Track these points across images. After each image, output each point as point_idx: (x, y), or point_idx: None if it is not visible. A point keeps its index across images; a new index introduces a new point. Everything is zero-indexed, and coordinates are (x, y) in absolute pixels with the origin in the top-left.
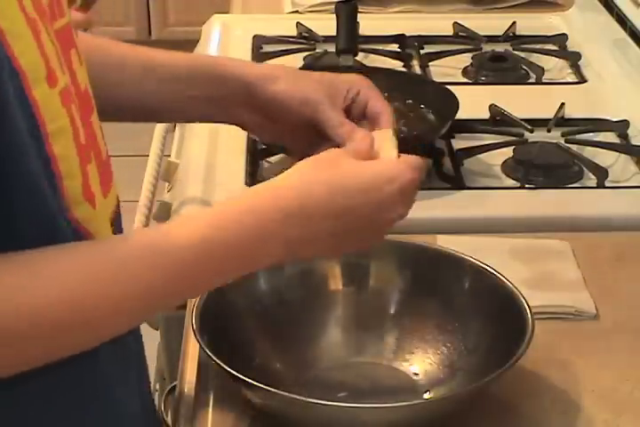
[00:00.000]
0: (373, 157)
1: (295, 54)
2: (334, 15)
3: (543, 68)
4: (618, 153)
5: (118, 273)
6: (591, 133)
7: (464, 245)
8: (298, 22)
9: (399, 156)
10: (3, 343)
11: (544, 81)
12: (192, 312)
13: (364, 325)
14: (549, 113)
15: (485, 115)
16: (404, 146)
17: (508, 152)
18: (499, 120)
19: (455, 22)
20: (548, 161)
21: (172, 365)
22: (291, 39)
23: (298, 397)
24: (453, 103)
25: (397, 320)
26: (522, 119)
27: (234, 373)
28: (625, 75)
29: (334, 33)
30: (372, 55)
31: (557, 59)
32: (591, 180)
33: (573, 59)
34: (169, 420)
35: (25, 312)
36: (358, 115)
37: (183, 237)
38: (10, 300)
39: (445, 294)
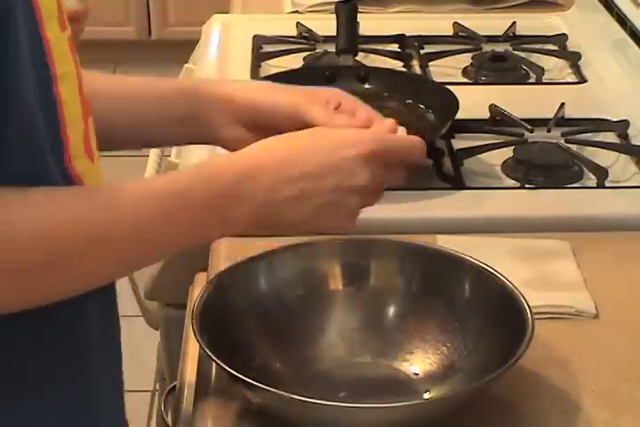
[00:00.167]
0: None
1: (295, 54)
2: (334, 15)
3: (543, 68)
4: (618, 153)
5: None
6: (591, 133)
7: (464, 245)
8: (298, 22)
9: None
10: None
11: (544, 81)
12: (192, 312)
13: (364, 325)
14: (549, 113)
15: (485, 115)
16: None
17: (508, 152)
18: (499, 120)
19: (455, 22)
20: (548, 161)
21: (172, 365)
22: (291, 39)
23: (298, 397)
24: (453, 103)
25: (397, 320)
26: (522, 119)
27: (234, 373)
28: (625, 75)
29: (334, 33)
30: (372, 55)
31: (557, 59)
32: (591, 180)
33: (573, 59)
34: (169, 420)
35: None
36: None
37: (156, 188)
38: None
39: (445, 294)
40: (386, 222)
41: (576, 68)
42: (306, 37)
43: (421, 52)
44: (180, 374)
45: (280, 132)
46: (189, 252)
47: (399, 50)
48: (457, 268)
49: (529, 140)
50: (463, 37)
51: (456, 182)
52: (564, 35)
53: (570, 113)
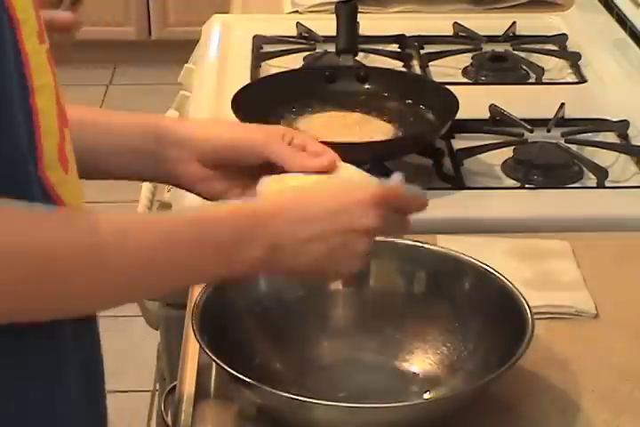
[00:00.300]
0: None
1: (295, 54)
2: (334, 15)
3: (543, 68)
4: (618, 153)
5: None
6: (591, 133)
7: (464, 245)
8: (298, 22)
9: None
10: None
11: (544, 81)
12: (192, 312)
13: (364, 325)
14: (549, 113)
15: (485, 115)
16: (405, 146)
17: (508, 152)
18: (499, 120)
19: (455, 22)
20: (548, 161)
21: (172, 365)
22: (291, 39)
23: (298, 397)
24: (453, 103)
25: (397, 320)
26: (522, 119)
27: (234, 373)
28: (625, 75)
29: (334, 33)
30: (372, 55)
31: (557, 59)
32: (591, 180)
33: (573, 59)
34: (169, 420)
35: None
36: None
37: (167, 223)
38: None
39: (445, 295)
40: None
41: (576, 68)
42: (306, 37)
43: (421, 52)
44: (179, 374)
45: (241, 170)
46: None
47: (399, 50)
48: (457, 268)
49: (529, 141)
50: (463, 37)
51: (456, 182)
52: (564, 35)
53: (570, 113)
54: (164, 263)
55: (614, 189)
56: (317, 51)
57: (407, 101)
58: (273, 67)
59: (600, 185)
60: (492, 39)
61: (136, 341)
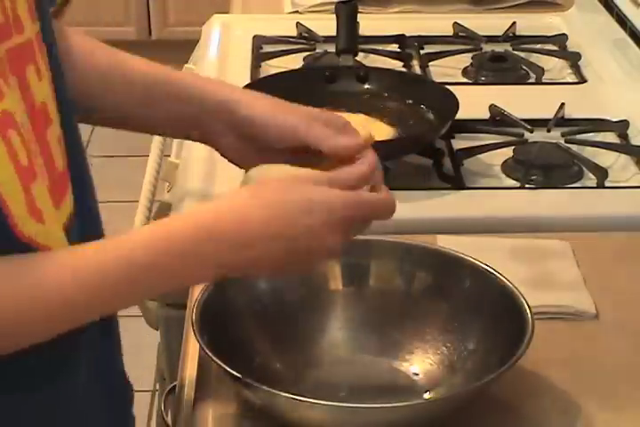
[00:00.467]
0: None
1: (295, 54)
2: (334, 15)
3: (543, 68)
4: (618, 153)
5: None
6: (591, 133)
7: (464, 245)
8: (298, 22)
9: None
10: None
11: (544, 81)
12: (192, 312)
13: (364, 325)
14: (549, 113)
15: (485, 115)
16: (405, 146)
17: (508, 152)
18: (499, 120)
19: (455, 22)
20: (547, 161)
21: (172, 365)
22: (291, 39)
23: (298, 397)
24: (453, 103)
25: (397, 320)
26: (522, 119)
27: (234, 373)
28: (625, 75)
29: (334, 33)
30: (372, 55)
31: (557, 59)
32: (591, 180)
33: (573, 59)
34: (169, 420)
35: None
36: None
37: (110, 256)
38: None
39: (445, 294)
40: (386, 222)
41: (576, 68)
42: (306, 37)
43: (421, 52)
44: (179, 374)
45: (278, 151)
46: None
47: (399, 50)
48: (457, 268)
49: (529, 141)
50: (463, 37)
51: (456, 182)
52: (563, 35)
53: (570, 113)
54: (122, 292)
55: (614, 189)
56: (317, 51)
57: (407, 101)
58: (273, 67)
59: (600, 185)
60: (491, 39)
61: (136, 341)
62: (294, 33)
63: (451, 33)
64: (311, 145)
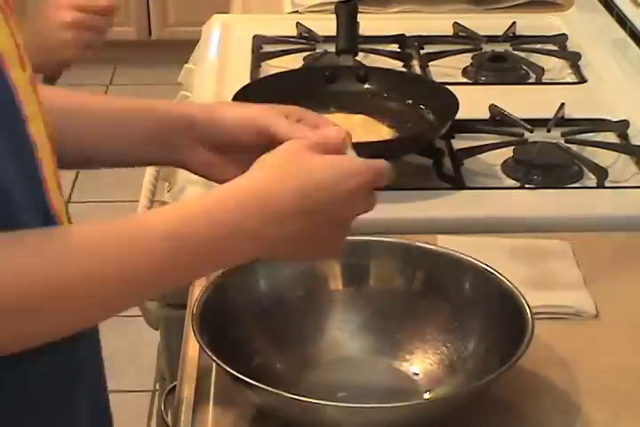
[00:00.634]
0: (337, 150)
1: (295, 54)
2: (334, 15)
3: (543, 68)
4: (618, 153)
5: (100, 258)
6: (591, 133)
7: (464, 245)
8: (298, 22)
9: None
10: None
11: (544, 81)
12: (192, 312)
13: (364, 325)
14: (549, 113)
15: (485, 115)
16: (405, 146)
17: (507, 152)
18: (499, 120)
19: (455, 22)
20: (547, 161)
21: (172, 365)
22: (291, 39)
23: (298, 397)
24: (453, 103)
25: (397, 320)
26: (522, 119)
27: (234, 373)
28: (625, 75)
29: (334, 33)
30: (372, 55)
31: (557, 59)
32: (591, 180)
33: (573, 59)
34: (169, 420)
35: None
36: None
37: (158, 229)
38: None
39: (445, 294)
40: (386, 222)
41: (576, 68)
42: (306, 37)
43: (421, 52)
44: (179, 374)
45: (243, 151)
46: None
47: (399, 50)
48: (457, 268)
49: (529, 140)
50: (463, 37)
51: (456, 182)
52: (563, 35)
53: (570, 113)
54: (151, 273)
55: (614, 189)
56: (317, 51)
57: (407, 101)
58: (273, 67)
59: (600, 185)
60: (491, 39)
61: (136, 341)
62: (294, 33)
63: (451, 33)
64: (272, 135)
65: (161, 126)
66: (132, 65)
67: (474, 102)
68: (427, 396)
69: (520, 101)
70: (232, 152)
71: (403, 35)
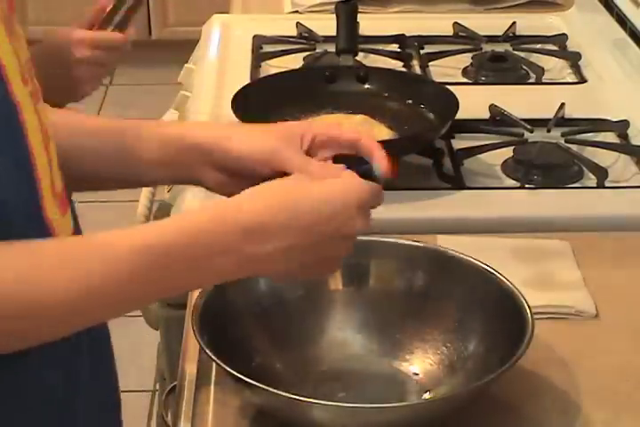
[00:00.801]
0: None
1: (295, 54)
2: (334, 15)
3: (543, 68)
4: (618, 153)
5: (76, 270)
6: (591, 133)
7: (464, 246)
8: (298, 22)
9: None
10: None
11: (544, 81)
12: (192, 312)
13: (364, 325)
14: (549, 113)
15: (485, 115)
16: (405, 146)
17: (507, 152)
18: (499, 120)
19: (455, 22)
20: (547, 161)
21: (172, 365)
22: (291, 39)
23: (298, 397)
24: (453, 103)
25: (397, 320)
26: (522, 119)
27: (234, 373)
28: (625, 75)
29: (334, 33)
30: (372, 55)
31: (557, 59)
32: (591, 180)
33: (573, 59)
34: (169, 420)
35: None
36: (327, 158)
37: (134, 243)
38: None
39: (445, 294)
40: (386, 222)
41: (576, 68)
42: (306, 37)
43: (421, 52)
44: (179, 374)
45: (258, 178)
46: None
47: (399, 50)
48: (457, 268)
49: (529, 140)
50: (463, 37)
51: (456, 182)
52: (563, 35)
53: (570, 113)
54: (131, 289)
55: (614, 189)
56: (317, 51)
57: (407, 101)
58: (273, 67)
59: (600, 185)
60: (492, 39)
61: (136, 341)
62: (294, 33)
63: (451, 33)
64: (284, 167)
65: (177, 153)
66: (131, 65)
67: (474, 102)
68: (427, 396)
69: (520, 101)
70: (246, 177)
71: (403, 35)
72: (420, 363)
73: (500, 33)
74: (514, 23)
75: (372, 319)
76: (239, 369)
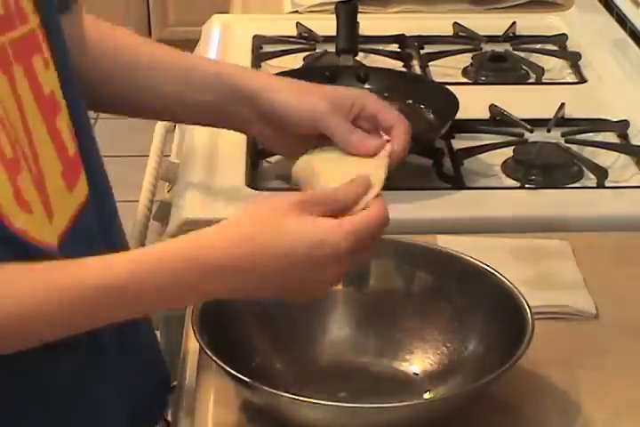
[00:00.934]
0: (345, 206)
1: (295, 54)
2: (334, 15)
3: (543, 68)
4: (618, 153)
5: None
6: (591, 133)
7: (464, 246)
8: (298, 22)
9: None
10: None
11: (544, 81)
12: (192, 312)
13: (364, 325)
14: (549, 113)
15: (485, 115)
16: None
17: (508, 152)
18: (499, 120)
19: (455, 22)
20: (547, 161)
21: (172, 365)
22: (291, 39)
23: (297, 397)
24: (453, 103)
25: (397, 320)
26: (522, 119)
27: (234, 373)
28: (625, 75)
29: (334, 33)
30: (372, 55)
31: (557, 59)
32: (591, 180)
33: (573, 59)
34: (169, 420)
35: None
36: (366, 129)
37: (94, 276)
38: None
39: (445, 294)
40: None
41: (576, 68)
42: (306, 37)
43: (421, 52)
44: (179, 374)
45: (301, 135)
46: None
47: (399, 50)
48: (457, 268)
49: (529, 141)
50: (463, 37)
51: (456, 182)
52: (563, 35)
53: (570, 113)
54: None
55: (614, 189)
56: (317, 51)
57: (407, 101)
58: (273, 67)
59: (600, 185)
60: (492, 39)
61: None
62: (294, 33)
63: (451, 33)
64: (327, 130)
65: (225, 93)
66: None
67: (474, 102)
68: (427, 396)
69: (520, 101)
70: (290, 132)
71: (403, 35)
72: (419, 363)
73: (500, 33)
74: (514, 23)
75: (372, 319)
76: (239, 369)
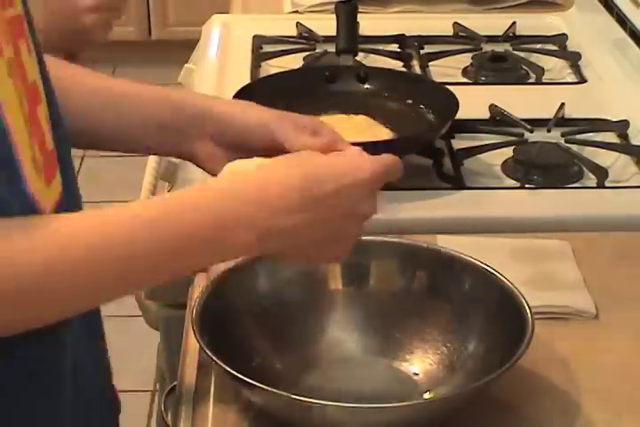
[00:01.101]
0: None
1: (295, 54)
2: (334, 15)
3: (543, 68)
4: (618, 153)
5: (95, 245)
6: (591, 133)
7: (464, 246)
8: (298, 22)
9: None
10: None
11: (544, 81)
12: (192, 312)
13: (364, 325)
14: (549, 113)
15: (485, 115)
16: (405, 146)
17: (508, 152)
18: (499, 120)
19: (455, 22)
20: (547, 161)
21: (172, 365)
22: (291, 39)
23: (298, 397)
24: (453, 103)
25: (397, 320)
26: (522, 119)
27: (234, 373)
28: (625, 75)
29: (334, 33)
30: (372, 55)
31: (557, 59)
32: (591, 180)
33: (573, 59)
34: (169, 420)
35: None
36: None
37: (143, 215)
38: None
39: (445, 294)
40: (386, 222)
41: (576, 68)
42: (306, 37)
43: (421, 52)
44: (179, 374)
45: (251, 151)
46: None
47: (399, 50)
48: (457, 268)
49: (529, 141)
50: (463, 37)
51: (456, 182)
52: (563, 35)
53: (570, 113)
54: (154, 260)
55: (614, 189)
56: (317, 51)
57: (407, 101)
58: (273, 67)
59: (600, 185)
60: (492, 39)
61: (136, 341)
62: (294, 33)
63: (451, 33)
64: (276, 139)
65: (174, 115)
66: (131, 65)
67: (474, 102)
68: (427, 396)
69: (520, 101)
70: (240, 152)
71: (403, 35)
72: (419, 363)
73: (500, 33)
74: (514, 23)
75: (372, 319)
76: (239, 369)
